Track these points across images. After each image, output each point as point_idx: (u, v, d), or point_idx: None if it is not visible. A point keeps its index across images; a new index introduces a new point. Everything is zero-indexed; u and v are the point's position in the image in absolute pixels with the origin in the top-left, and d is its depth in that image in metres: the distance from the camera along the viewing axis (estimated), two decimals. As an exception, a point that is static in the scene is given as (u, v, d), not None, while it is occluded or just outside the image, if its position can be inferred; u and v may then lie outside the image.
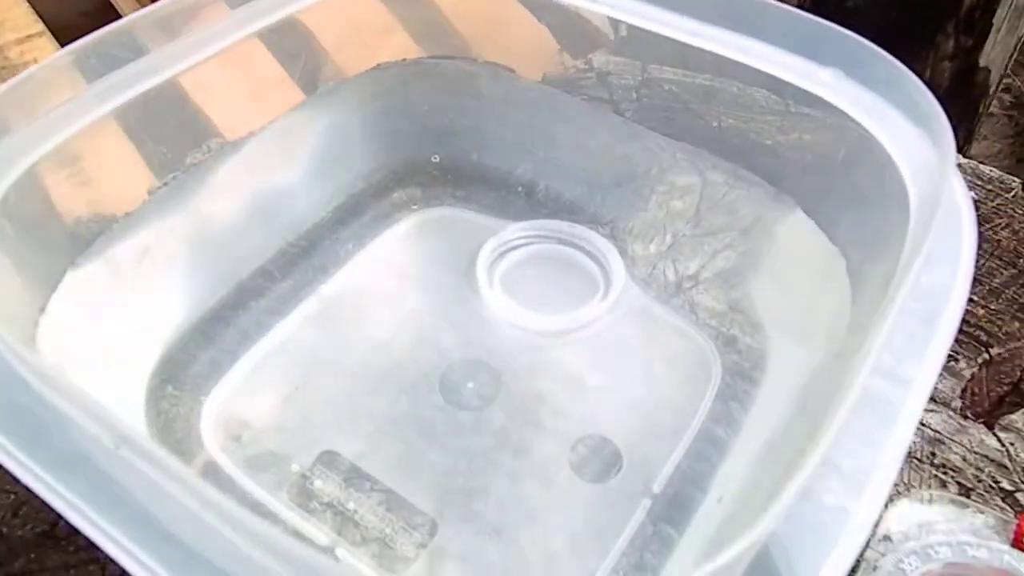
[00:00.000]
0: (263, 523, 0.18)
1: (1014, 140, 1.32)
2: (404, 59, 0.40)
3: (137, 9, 0.34)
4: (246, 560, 0.19)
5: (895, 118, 0.29)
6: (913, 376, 0.23)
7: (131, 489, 0.21)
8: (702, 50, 0.34)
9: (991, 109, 1.34)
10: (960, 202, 0.27)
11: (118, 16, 0.62)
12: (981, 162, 0.46)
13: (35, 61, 0.56)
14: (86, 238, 0.32)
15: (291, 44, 0.38)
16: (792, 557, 0.19)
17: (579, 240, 0.40)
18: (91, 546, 0.31)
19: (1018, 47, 0.97)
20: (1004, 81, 1.36)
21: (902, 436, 0.21)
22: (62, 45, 0.59)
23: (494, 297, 0.38)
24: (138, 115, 0.33)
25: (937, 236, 0.26)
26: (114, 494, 0.21)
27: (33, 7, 0.64)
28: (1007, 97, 1.38)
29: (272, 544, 0.18)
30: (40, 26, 0.63)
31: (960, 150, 0.54)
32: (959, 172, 0.27)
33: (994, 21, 0.88)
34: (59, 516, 0.32)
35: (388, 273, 0.39)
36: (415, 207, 0.41)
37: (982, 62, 0.92)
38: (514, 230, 0.40)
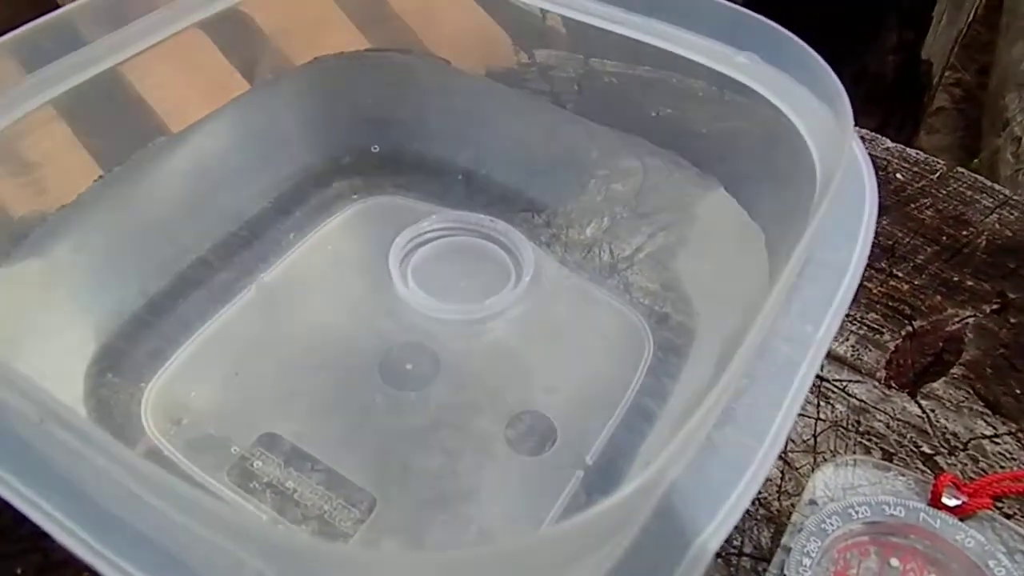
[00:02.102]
0: (193, 489, 0.18)
1: (964, 134, 1.36)
2: (342, 52, 0.41)
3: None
4: (183, 531, 0.19)
5: (804, 96, 0.30)
6: (812, 336, 0.24)
7: (61, 465, 0.22)
8: (625, 37, 0.35)
9: (943, 104, 1.38)
10: (863, 171, 0.28)
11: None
12: (932, 155, 0.48)
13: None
14: (22, 232, 0.32)
15: (233, 34, 0.39)
16: (692, 503, 0.20)
17: (496, 233, 0.41)
18: (34, 535, 0.32)
19: (959, 40, 0.99)
20: (955, 76, 1.40)
21: (799, 391, 0.23)
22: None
23: (407, 289, 0.38)
24: (76, 106, 0.33)
25: (842, 207, 0.28)
26: (44, 470, 0.22)
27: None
28: (958, 91, 1.42)
29: (205, 511, 0.19)
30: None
31: (907, 142, 0.56)
32: (862, 144, 0.29)
33: (934, 14, 0.90)
34: (1, 507, 0.33)
35: (329, 261, 0.40)
36: (356, 196, 0.42)
37: (924, 55, 0.94)
38: (431, 222, 0.41)
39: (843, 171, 0.25)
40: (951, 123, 1.39)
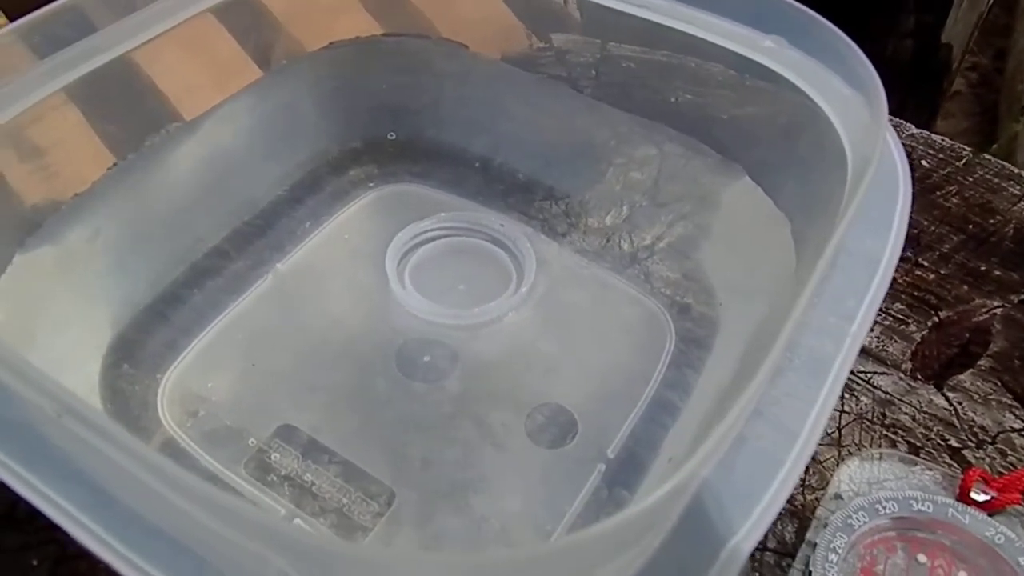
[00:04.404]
0: (206, 484, 0.18)
1: (981, 118, 1.34)
2: (357, 37, 0.40)
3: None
4: (196, 525, 0.19)
5: (833, 82, 0.29)
6: (846, 330, 0.23)
7: (77, 457, 0.21)
8: (650, 22, 0.34)
9: (959, 88, 1.36)
10: (896, 161, 0.27)
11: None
12: (952, 139, 0.47)
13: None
14: (36, 220, 0.32)
15: (245, 20, 0.38)
16: (724, 504, 0.20)
17: (501, 236, 0.40)
18: (50, 527, 0.31)
19: (979, 24, 0.98)
20: (971, 60, 1.38)
21: (833, 388, 0.22)
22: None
23: (403, 291, 0.37)
24: (89, 93, 0.32)
25: (873, 196, 0.27)
26: (59, 462, 0.21)
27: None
28: (974, 75, 1.40)
29: (218, 504, 0.18)
30: (3, 19, 0.62)
31: (925, 126, 0.55)
32: (895, 133, 0.28)
33: (954, -2, 0.89)
34: (17, 499, 0.32)
35: (345, 250, 0.39)
36: (372, 184, 0.42)
37: (944, 39, 0.93)
38: (431, 222, 0.40)
39: (877, 161, 0.24)
40: (967, 107, 1.37)
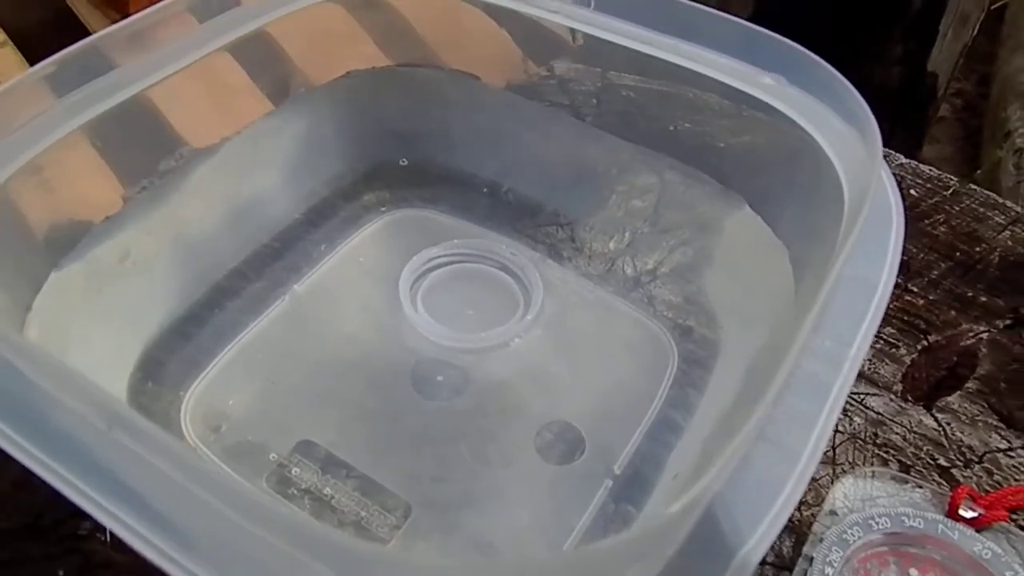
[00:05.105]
0: (253, 490, 0.19)
1: (965, 143, 1.36)
2: (373, 67, 0.42)
3: (98, 16, 0.34)
4: (238, 532, 0.20)
5: (830, 119, 0.31)
6: (844, 354, 0.25)
7: (123, 470, 0.22)
8: (655, 58, 0.36)
9: (943, 113, 1.38)
10: (889, 193, 0.29)
11: (79, 23, 0.63)
12: (937, 166, 0.49)
13: None
14: (69, 242, 0.33)
15: (260, 56, 0.39)
16: (733, 518, 0.21)
17: (504, 260, 0.41)
18: (74, 536, 0.32)
19: (964, 52, 1.00)
20: (955, 86, 1.40)
21: (832, 410, 0.23)
22: (25, 54, 0.59)
23: (416, 315, 0.38)
24: (109, 129, 0.33)
25: (868, 226, 0.29)
26: (107, 474, 0.22)
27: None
28: (958, 101, 1.43)
29: (263, 513, 0.19)
30: (2, 36, 0.63)
31: (911, 154, 0.57)
32: (887, 166, 0.30)
33: (940, 27, 0.91)
34: (42, 509, 0.33)
35: (359, 272, 0.41)
36: (384, 209, 0.43)
37: (929, 67, 0.95)
38: (441, 248, 0.41)
39: (872, 194, 0.26)
40: (952, 132, 1.40)
